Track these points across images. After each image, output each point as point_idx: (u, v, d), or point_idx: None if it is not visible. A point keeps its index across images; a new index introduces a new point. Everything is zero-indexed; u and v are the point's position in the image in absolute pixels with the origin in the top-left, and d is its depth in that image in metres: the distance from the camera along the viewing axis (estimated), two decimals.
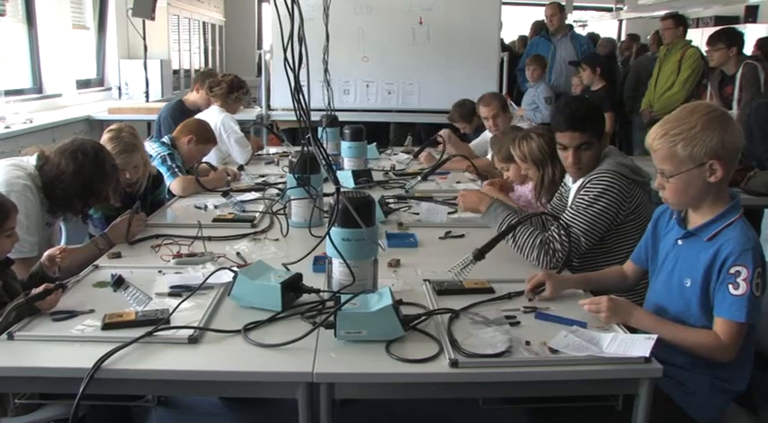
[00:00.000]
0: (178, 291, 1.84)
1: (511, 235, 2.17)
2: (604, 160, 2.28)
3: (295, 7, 1.49)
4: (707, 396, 1.70)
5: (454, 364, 1.46)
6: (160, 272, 2.03)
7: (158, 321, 1.62)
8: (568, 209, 2.26)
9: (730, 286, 1.61)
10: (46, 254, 2.04)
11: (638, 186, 2.23)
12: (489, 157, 3.76)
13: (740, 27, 8.29)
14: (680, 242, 1.77)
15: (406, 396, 1.70)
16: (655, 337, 1.52)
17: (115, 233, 2.33)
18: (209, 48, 10.09)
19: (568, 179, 2.47)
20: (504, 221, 2.23)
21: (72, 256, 2.14)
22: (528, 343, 1.55)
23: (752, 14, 11.11)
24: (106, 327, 1.61)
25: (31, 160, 2.33)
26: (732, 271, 1.61)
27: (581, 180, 2.29)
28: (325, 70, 3.82)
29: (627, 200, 2.19)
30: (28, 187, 2.25)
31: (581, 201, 2.21)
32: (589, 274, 2.08)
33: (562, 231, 2.11)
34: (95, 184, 2.32)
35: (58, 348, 1.54)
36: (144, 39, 6.54)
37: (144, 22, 6.55)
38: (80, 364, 1.43)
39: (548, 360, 1.50)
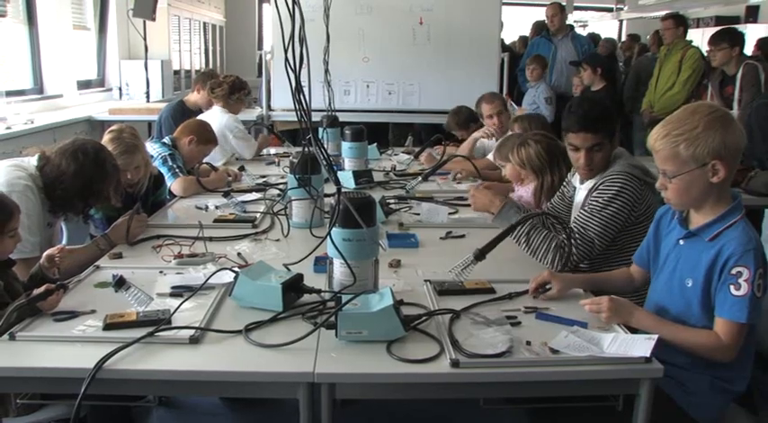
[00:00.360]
0: (179, 291, 1.84)
1: (525, 238, 2.16)
2: (615, 161, 2.27)
3: (296, 8, 1.49)
4: (707, 396, 1.70)
5: (455, 364, 1.46)
6: (161, 272, 2.03)
7: (159, 322, 1.62)
8: (581, 211, 2.25)
9: (732, 287, 1.61)
10: (45, 254, 2.03)
11: (648, 188, 2.21)
12: (490, 157, 3.76)
13: (741, 27, 8.28)
14: (681, 242, 1.77)
15: (406, 396, 1.70)
16: (655, 337, 1.52)
17: (116, 234, 2.33)
18: (210, 48, 10.09)
19: (575, 178, 2.45)
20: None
21: (73, 257, 2.14)
22: (529, 343, 1.55)
23: (752, 14, 11.12)
24: (107, 327, 1.61)
25: (31, 161, 2.33)
26: (734, 272, 1.61)
27: (592, 181, 2.28)
28: (326, 71, 3.81)
29: (639, 201, 2.19)
30: (29, 187, 2.25)
31: (595, 203, 2.20)
32: (595, 275, 2.08)
33: (576, 235, 2.10)
34: (96, 184, 2.33)
35: (59, 349, 1.54)
36: (144, 39, 6.54)
37: (144, 22, 6.55)
38: (81, 365, 1.43)
39: (548, 360, 1.50)
